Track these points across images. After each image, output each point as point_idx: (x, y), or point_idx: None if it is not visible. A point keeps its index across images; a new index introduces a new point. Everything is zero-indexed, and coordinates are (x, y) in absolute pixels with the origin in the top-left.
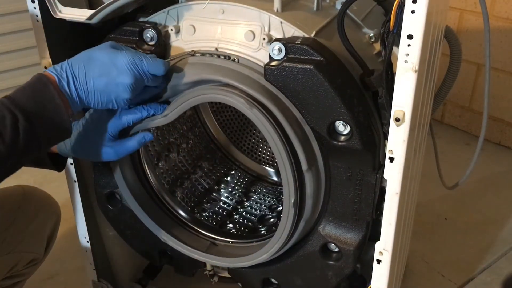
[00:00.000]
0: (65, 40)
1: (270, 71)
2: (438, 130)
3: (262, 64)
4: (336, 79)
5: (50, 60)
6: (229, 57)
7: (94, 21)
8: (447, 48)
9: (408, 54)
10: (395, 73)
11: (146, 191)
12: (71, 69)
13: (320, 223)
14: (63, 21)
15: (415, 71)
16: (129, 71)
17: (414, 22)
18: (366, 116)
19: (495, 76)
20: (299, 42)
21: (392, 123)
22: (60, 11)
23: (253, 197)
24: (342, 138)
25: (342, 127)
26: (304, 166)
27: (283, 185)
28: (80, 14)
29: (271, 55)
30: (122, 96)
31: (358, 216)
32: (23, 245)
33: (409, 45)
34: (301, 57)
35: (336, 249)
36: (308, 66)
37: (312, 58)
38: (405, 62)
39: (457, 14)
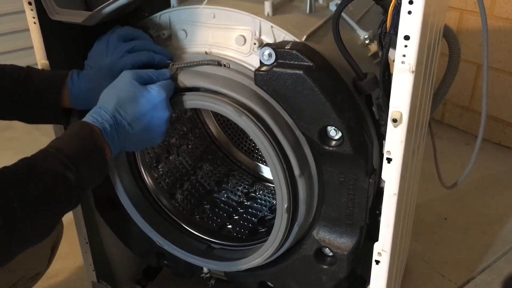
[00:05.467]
0: (62, 42)
1: (260, 77)
2: (438, 130)
3: (253, 69)
4: (327, 84)
5: (47, 62)
6: (219, 63)
7: (91, 23)
8: (447, 47)
9: (405, 55)
10: (392, 74)
11: (143, 195)
12: (111, 116)
13: (314, 228)
14: (60, 23)
15: (412, 72)
16: (166, 107)
17: (410, 23)
18: (358, 121)
19: (495, 76)
20: (288, 47)
21: (389, 124)
22: (57, 13)
23: (253, 198)
24: (334, 143)
25: (334, 132)
26: (296, 171)
27: (276, 190)
28: (77, 16)
29: (261, 60)
30: (161, 130)
31: (352, 221)
32: (27, 262)
33: (406, 46)
34: (291, 62)
35: (330, 254)
36: (298, 72)
37: (302, 63)
38: (402, 63)
39: (457, 14)
